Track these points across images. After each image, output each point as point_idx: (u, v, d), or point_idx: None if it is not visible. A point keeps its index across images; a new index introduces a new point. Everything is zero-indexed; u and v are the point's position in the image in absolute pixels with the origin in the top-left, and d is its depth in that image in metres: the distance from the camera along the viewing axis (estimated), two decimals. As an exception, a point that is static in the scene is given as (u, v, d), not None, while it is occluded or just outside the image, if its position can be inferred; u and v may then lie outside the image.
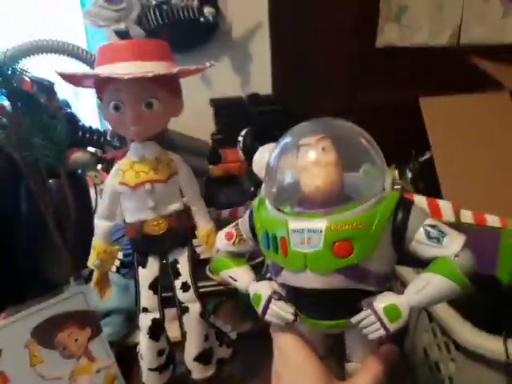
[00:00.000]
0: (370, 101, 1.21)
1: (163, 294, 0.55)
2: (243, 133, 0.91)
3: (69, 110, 0.77)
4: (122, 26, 0.99)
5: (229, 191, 0.98)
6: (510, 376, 0.68)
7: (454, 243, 0.35)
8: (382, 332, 0.36)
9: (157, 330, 0.54)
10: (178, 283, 0.54)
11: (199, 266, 0.64)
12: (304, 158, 0.37)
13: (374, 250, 0.35)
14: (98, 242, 0.53)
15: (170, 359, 0.58)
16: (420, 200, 0.41)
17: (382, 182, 0.38)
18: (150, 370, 0.56)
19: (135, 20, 1.02)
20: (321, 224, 0.35)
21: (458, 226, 0.40)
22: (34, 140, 0.60)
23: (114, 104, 0.47)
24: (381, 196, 0.37)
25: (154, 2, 1.00)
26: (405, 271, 0.63)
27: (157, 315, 0.54)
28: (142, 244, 0.52)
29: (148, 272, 0.53)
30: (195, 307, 0.54)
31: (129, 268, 0.81)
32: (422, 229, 0.36)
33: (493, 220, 0.40)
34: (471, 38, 1.23)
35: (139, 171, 0.49)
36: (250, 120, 1.03)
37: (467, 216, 0.40)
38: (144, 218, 0.50)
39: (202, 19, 1.03)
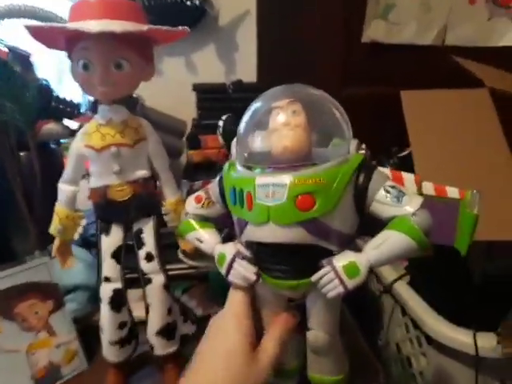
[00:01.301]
0: (354, 94, 1.21)
1: (131, 275, 0.54)
2: (224, 118, 0.91)
3: (44, 82, 0.75)
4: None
5: (207, 176, 0.97)
6: (479, 369, 0.68)
7: (412, 203, 0.36)
8: (340, 289, 0.36)
9: (118, 300, 0.53)
10: (141, 253, 0.52)
11: (171, 248, 0.62)
12: (275, 119, 0.39)
13: (335, 206, 0.36)
14: (60, 208, 0.51)
15: (133, 335, 0.57)
16: (384, 170, 0.41)
17: (348, 148, 0.39)
18: (111, 343, 0.55)
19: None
20: (285, 178, 0.36)
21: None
22: (4, 103, 0.59)
23: (82, 63, 0.46)
24: (345, 157, 0.38)
25: (140, -18, 0.99)
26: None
27: (119, 285, 0.53)
28: (105, 210, 0.51)
29: (111, 240, 0.52)
30: (159, 278, 0.53)
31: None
32: (382, 189, 0.37)
33: (452, 191, 0.40)
34: (457, 39, 1.24)
35: (105, 134, 0.48)
36: (232, 107, 1.02)
37: (429, 187, 0.41)
38: (108, 183, 0.49)
39: (188, 3, 1.02)
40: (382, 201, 0.37)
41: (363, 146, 0.45)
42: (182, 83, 1.07)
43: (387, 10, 1.19)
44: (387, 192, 0.37)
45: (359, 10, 1.16)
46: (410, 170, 0.89)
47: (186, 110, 1.04)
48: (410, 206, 0.36)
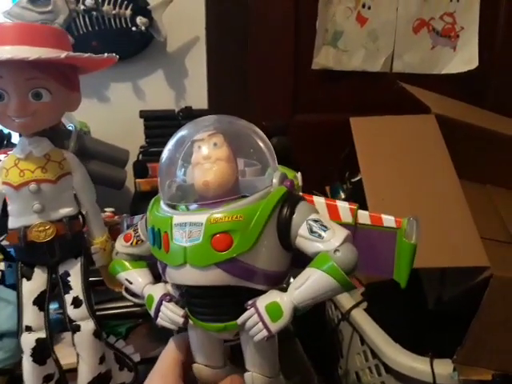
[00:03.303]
0: (306, 121, 1.22)
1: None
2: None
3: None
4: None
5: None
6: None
7: (334, 238, 0.34)
8: (264, 333, 0.34)
9: (42, 351, 0.48)
10: (68, 298, 0.48)
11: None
12: (196, 153, 0.37)
13: (255, 244, 0.34)
14: (-25, 250, 0.46)
15: (61, 387, 0.51)
16: (319, 201, 0.40)
17: (271, 179, 0.37)
18: (35, 399, 0.49)
19: (62, 25, 0.97)
20: (202, 217, 0.34)
21: (355, 226, 0.39)
22: None
23: (-4, 92, 0.42)
24: (267, 191, 0.36)
25: (82, 8, 0.96)
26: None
27: (42, 335, 0.47)
28: (25, 253, 0.46)
29: (33, 285, 0.47)
30: (88, 325, 0.48)
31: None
32: (304, 223, 0.35)
33: (388, 220, 0.39)
34: (403, 66, 1.27)
35: (24, 169, 0.44)
36: (181, 134, 1.00)
37: (364, 216, 0.39)
38: (28, 223, 0.45)
39: (134, 29, 1.00)
40: (304, 235, 0.35)
41: (298, 174, 0.43)
42: (131, 111, 1.04)
43: (336, 37, 1.21)
44: (310, 226, 0.35)
45: (308, 37, 1.18)
46: (363, 194, 0.89)
47: (133, 137, 1.01)
48: (333, 240, 0.34)
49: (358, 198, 0.95)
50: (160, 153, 1.02)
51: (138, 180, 0.95)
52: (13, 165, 0.44)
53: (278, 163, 0.41)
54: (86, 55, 0.41)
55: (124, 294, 0.72)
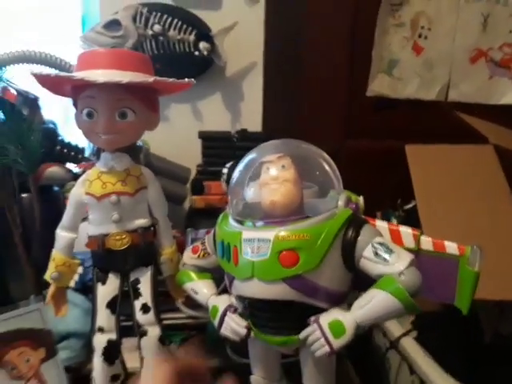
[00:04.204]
0: (358, 147, 1.22)
1: (126, 323, 0.52)
2: (228, 165, 0.91)
3: (51, 125, 0.76)
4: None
5: (209, 222, 0.96)
6: None
7: (400, 261, 0.36)
8: (327, 349, 0.36)
9: (112, 352, 0.51)
10: (137, 304, 0.51)
11: (170, 297, 0.61)
12: (265, 174, 0.40)
13: (320, 262, 0.36)
14: (57, 254, 0.51)
15: (125, 388, 0.54)
16: (381, 225, 0.41)
17: (337, 201, 0.39)
18: (102, 396, 0.52)
19: (131, 48, 1.03)
20: (270, 234, 0.36)
21: (417, 252, 0.39)
22: (9, 146, 0.59)
23: (87, 111, 0.46)
24: (333, 212, 0.38)
25: (150, 33, 1.02)
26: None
27: (113, 336, 0.51)
28: (102, 259, 0.50)
29: (107, 289, 0.51)
30: (154, 331, 0.51)
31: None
32: (369, 246, 0.37)
33: (451, 247, 0.39)
34: (459, 96, 1.26)
35: (106, 182, 0.48)
36: (236, 154, 1.03)
37: (427, 242, 0.40)
38: (107, 232, 0.48)
39: (196, 53, 1.05)
40: (369, 258, 0.37)
41: (361, 198, 0.45)
42: (188, 130, 1.08)
43: (391, 65, 1.22)
44: (375, 249, 0.37)
45: (364, 64, 1.19)
46: (416, 222, 0.88)
47: (191, 156, 1.05)
48: (398, 264, 0.35)
49: (410, 225, 0.94)
50: (216, 172, 1.05)
51: (193, 197, 0.99)
52: (96, 177, 0.48)
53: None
54: (171, 80, 0.45)
55: (180, 305, 0.75)
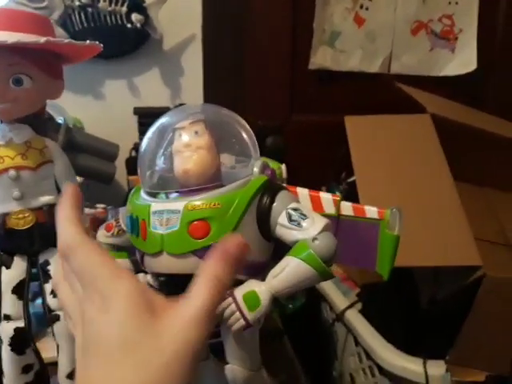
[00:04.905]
0: (303, 121, 1.21)
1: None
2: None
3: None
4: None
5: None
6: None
7: (313, 226, 0.34)
8: (242, 322, 0.34)
9: (20, 341, 0.47)
10: (48, 287, 0.47)
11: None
12: (177, 141, 0.37)
13: (233, 232, 0.34)
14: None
15: (41, 380, 0.51)
16: (302, 192, 0.39)
17: (252, 169, 0.38)
18: (13, 390, 0.49)
19: (57, 21, 0.97)
20: (180, 204, 0.34)
21: (338, 218, 0.39)
22: None
23: (-24, 78, 0.41)
24: (247, 180, 0.36)
25: (78, 4, 0.96)
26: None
27: (21, 324, 0.47)
28: (5, 240, 0.46)
29: (12, 273, 0.47)
30: (68, 316, 0.47)
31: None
32: (284, 212, 0.35)
33: (371, 211, 0.38)
34: (401, 68, 1.27)
35: (4, 156, 0.43)
36: (175, 131, 0.99)
37: (347, 207, 0.39)
38: (8, 210, 0.44)
39: (129, 26, 1.00)
40: (284, 224, 0.35)
41: (283, 166, 0.43)
42: (125, 108, 1.04)
43: (333, 37, 1.21)
44: (289, 215, 0.35)
45: (306, 36, 1.17)
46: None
47: (127, 134, 1.01)
48: (312, 229, 0.34)
49: (353, 198, 0.94)
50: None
51: (130, 177, 0.95)
52: (-8, 151, 0.44)
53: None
54: (67, 41, 0.41)
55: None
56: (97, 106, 1.09)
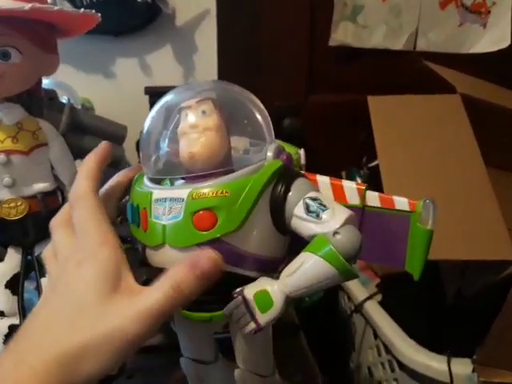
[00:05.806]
0: (321, 101, 1.15)
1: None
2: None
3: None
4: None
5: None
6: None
7: (334, 218, 0.30)
8: (252, 325, 0.30)
9: (15, 339, 0.44)
10: (44, 282, 0.44)
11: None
12: (183, 122, 0.33)
13: (243, 224, 0.30)
14: None
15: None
16: (323, 180, 0.35)
17: (265, 154, 0.33)
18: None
19: (64, -6, 0.92)
20: (184, 192, 0.31)
21: (363, 209, 0.34)
22: None
23: (-42, 51, 0.37)
24: (260, 165, 0.32)
25: (85, -23, 0.91)
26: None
27: (15, 321, 0.44)
28: (-3, 231, 0.43)
29: (5, 267, 0.43)
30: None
31: None
32: (301, 202, 0.31)
33: (401, 202, 0.34)
34: (428, 45, 1.19)
35: (-8, 139, 0.40)
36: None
37: (373, 198, 0.34)
38: (-1, 199, 0.41)
39: (139, 0, 0.95)
40: (300, 215, 0.31)
41: (301, 151, 0.38)
42: (136, 87, 0.99)
43: (355, 11, 1.14)
44: (307, 205, 0.31)
45: (326, 11, 1.10)
46: (380, 180, 0.83)
47: (139, 115, 0.97)
48: (333, 221, 0.30)
49: (375, 184, 0.90)
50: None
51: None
52: (-19, 133, 0.40)
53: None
54: (56, 8, 0.36)
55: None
56: (106, 86, 1.05)
